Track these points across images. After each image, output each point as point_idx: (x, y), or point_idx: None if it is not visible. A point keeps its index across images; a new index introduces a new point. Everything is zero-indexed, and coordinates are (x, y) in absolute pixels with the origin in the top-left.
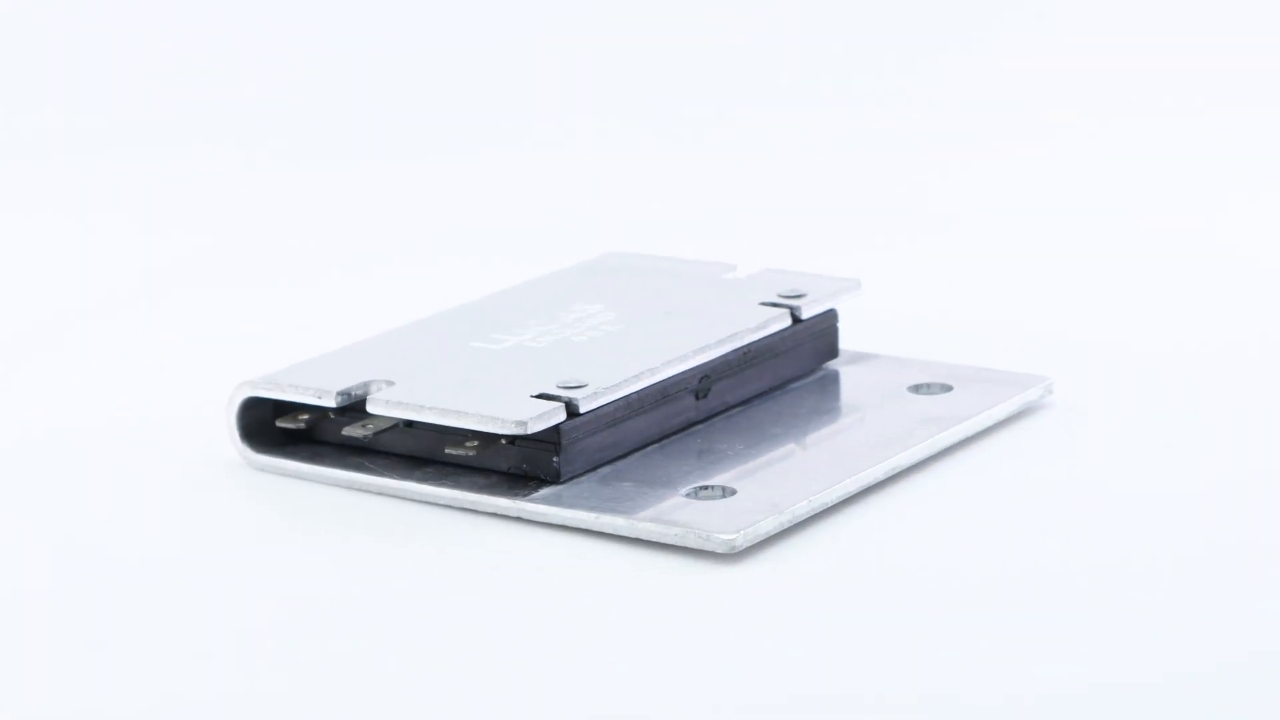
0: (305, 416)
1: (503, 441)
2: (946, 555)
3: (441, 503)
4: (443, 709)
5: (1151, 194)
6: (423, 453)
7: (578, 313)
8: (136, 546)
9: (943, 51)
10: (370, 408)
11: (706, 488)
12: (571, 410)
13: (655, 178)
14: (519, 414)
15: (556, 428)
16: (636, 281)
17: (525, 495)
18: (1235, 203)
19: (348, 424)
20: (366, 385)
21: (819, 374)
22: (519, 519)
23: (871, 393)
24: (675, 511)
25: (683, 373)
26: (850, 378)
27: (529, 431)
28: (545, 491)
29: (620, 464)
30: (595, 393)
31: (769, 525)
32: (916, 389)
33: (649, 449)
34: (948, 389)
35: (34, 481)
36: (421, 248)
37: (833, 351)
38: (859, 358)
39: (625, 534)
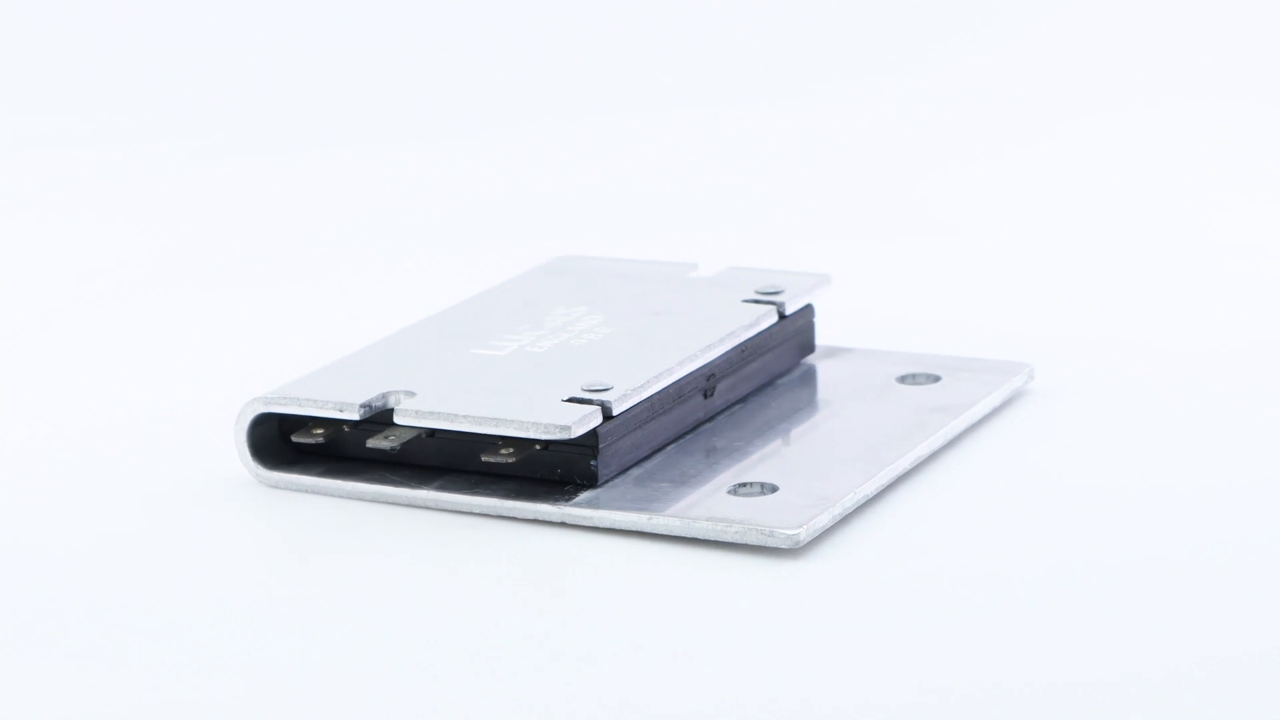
0: (320, 431)
1: (537, 447)
2: (993, 544)
3: (477, 511)
4: None
5: (1122, 186)
6: (442, 462)
7: (562, 317)
8: (158, 574)
9: (901, 43)
10: (398, 419)
11: (745, 485)
12: (606, 413)
13: (575, 176)
14: (560, 418)
15: (594, 431)
16: (608, 284)
17: (566, 500)
18: (1209, 195)
19: (366, 436)
20: (385, 396)
21: (801, 369)
22: (560, 524)
23: (862, 385)
24: (726, 509)
25: (695, 372)
26: (834, 372)
27: (572, 436)
28: (585, 495)
29: (647, 465)
30: (624, 394)
31: (825, 519)
32: (904, 379)
33: (667, 449)
34: (936, 379)
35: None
36: (341, 249)
37: (810, 347)
38: (833, 352)
39: (680, 534)
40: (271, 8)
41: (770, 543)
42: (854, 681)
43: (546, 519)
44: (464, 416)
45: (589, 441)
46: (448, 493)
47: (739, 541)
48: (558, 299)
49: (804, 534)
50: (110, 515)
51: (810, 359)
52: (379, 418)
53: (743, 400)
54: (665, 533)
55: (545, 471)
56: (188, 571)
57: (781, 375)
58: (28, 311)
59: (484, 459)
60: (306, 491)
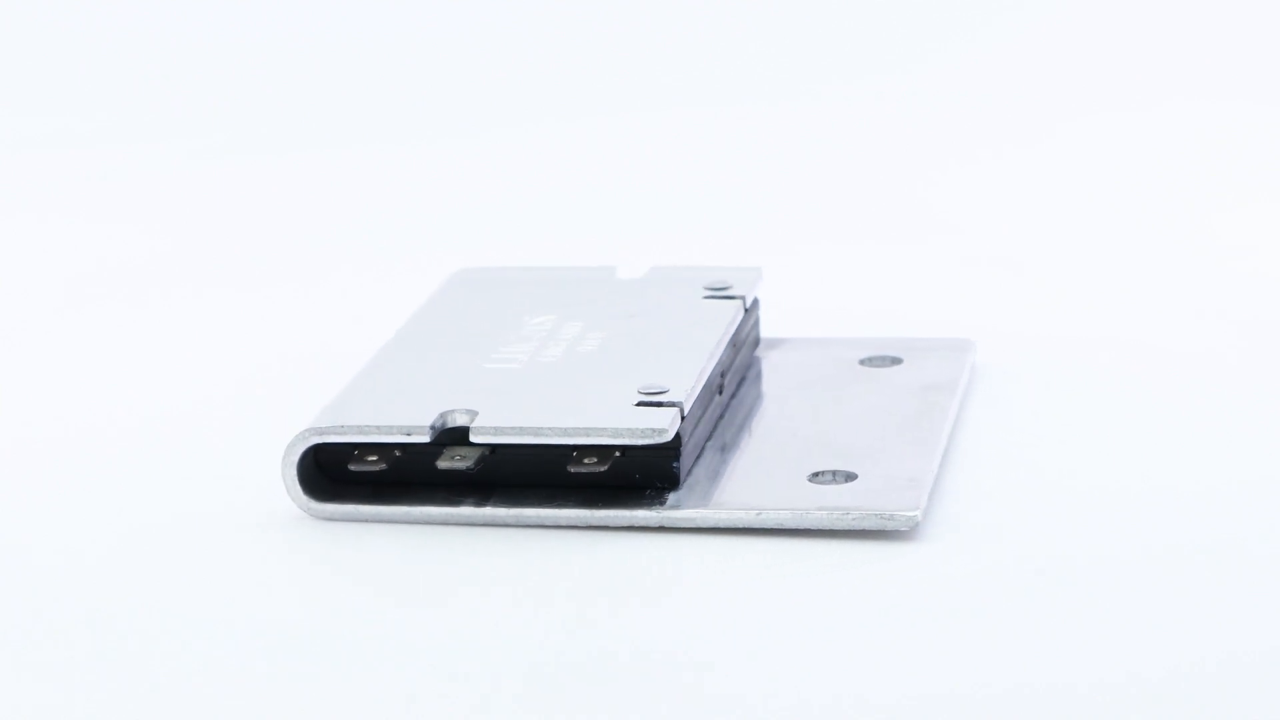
0: (372, 458)
1: (616, 454)
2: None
3: (563, 524)
4: None
5: (1121, 187)
6: (502, 479)
7: (539, 327)
8: (202, 593)
9: (900, 43)
10: (475, 438)
11: (821, 474)
12: (681, 413)
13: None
14: (648, 422)
15: (677, 432)
16: (550, 291)
17: (659, 504)
18: (1209, 196)
19: (418, 460)
20: (445, 416)
21: (760, 362)
22: (658, 528)
23: (833, 370)
24: (827, 498)
25: (717, 369)
26: (791, 360)
27: (668, 439)
28: (672, 497)
29: (702, 464)
30: (687, 394)
31: (926, 500)
32: (867, 362)
33: (705, 448)
34: (898, 361)
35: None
36: (341, 249)
37: (758, 340)
38: (773, 344)
39: (793, 525)
40: (271, 8)
41: (889, 525)
42: (1008, 659)
43: (644, 524)
44: (549, 429)
45: (673, 444)
46: (534, 508)
47: (856, 528)
48: (515, 310)
49: (920, 515)
50: (128, 528)
51: (759, 351)
52: (450, 438)
53: (734, 396)
54: (777, 526)
55: (624, 479)
56: (238, 598)
57: (749, 369)
58: (27, 312)
59: (571, 470)
60: (362, 521)
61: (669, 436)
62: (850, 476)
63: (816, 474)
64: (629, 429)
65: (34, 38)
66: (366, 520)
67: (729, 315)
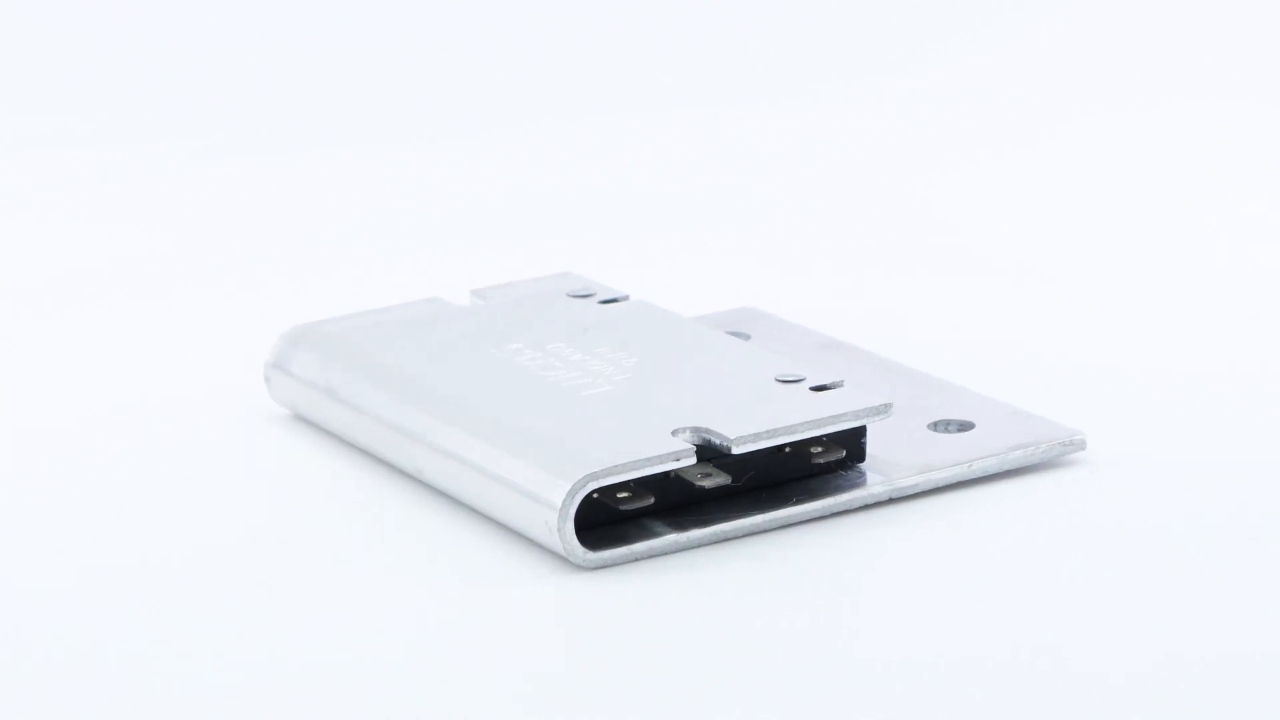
0: (624, 494)
1: (824, 439)
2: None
3: (811, 517)
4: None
5: (1122, 187)
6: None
7: (535, 349)
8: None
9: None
10: (737, 449)
11: (935, 424)
12: None
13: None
14: (871, 401)
15: None
16: (500, 317)
17: (879, 479)
18: (1208, 196)
19: (682, 483)
20: (695, 434)
21: None
22: (887, 501)
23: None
24: (1006, 439)
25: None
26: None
27: (891, 414)
28: (870, 469)
29: None
30: (826, 376)
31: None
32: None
33: None
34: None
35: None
36: (341, 250)
37: None
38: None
39: (995, 470)
40: (271, 8)
41: (1068, 452)
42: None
43: (877, 500)
44: (800, 425)
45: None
46: (784, 509)
47: (1048, 458)
48: (494, 338)
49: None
50: (127, 530)
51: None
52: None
53: None
54: (984, 474)
55: (839, 462)
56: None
57: None
58: (27, 312)
59: (816, 461)
60: (633, 560)
61: (892, 411)
62: (965, 426)
63: (934, 424)
64: (864, 409)
65: (34, 38)
66: (639, 559)
67: (667, 313)
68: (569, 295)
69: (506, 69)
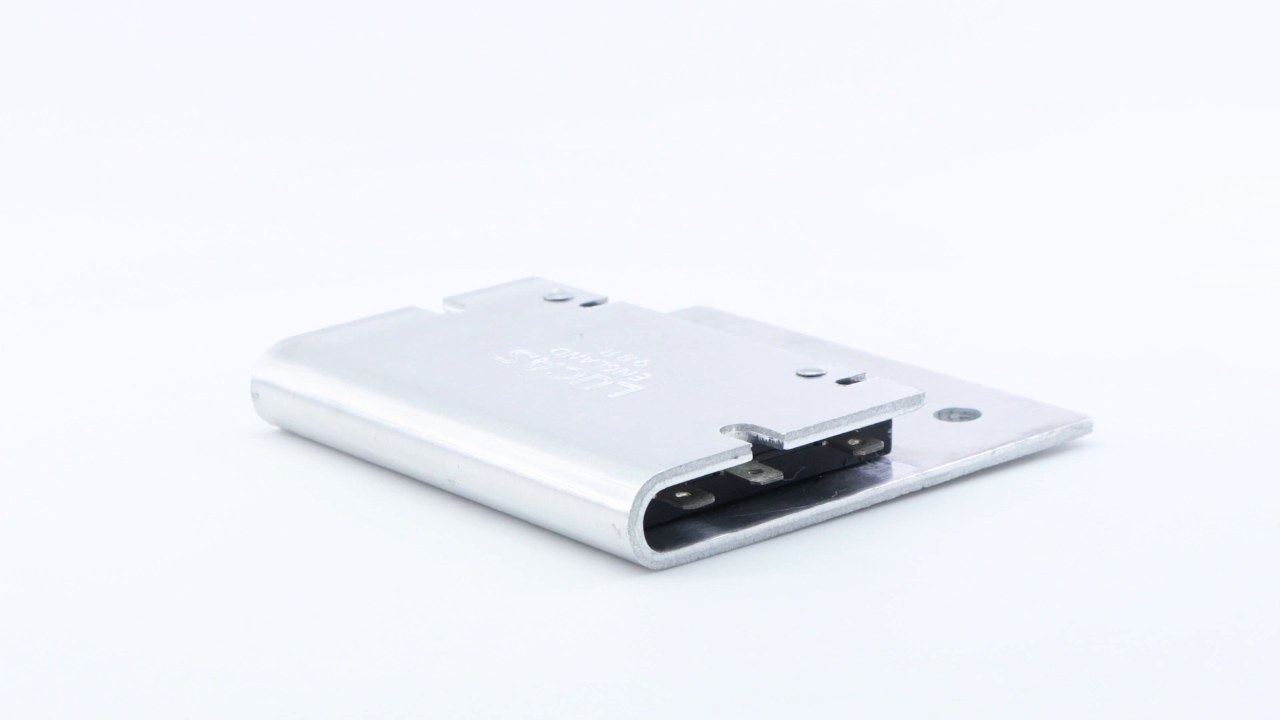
0: (684, 494)
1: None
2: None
3: (843, 513)
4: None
5: (1121, 187)
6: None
7: (539, 353)
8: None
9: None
10: (789, 444)
11: (940, 412)
12: None
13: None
14: (904, 392)
15: None
16: (489, 322)
17: (913, 467)
18: (1211, 195)
19: (735, 481)
20: (745, 431)
21: None
22: (920, 491)
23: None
24: (1019, 425)
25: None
26: None
27: (924, 403)
28: (895, 460)
29: None
30: (846, 370)
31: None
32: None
33: None
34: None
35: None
36: (341, 250)
37: None
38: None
39: (1013, 456)
40: (271, 8)
41: (1079, 434)
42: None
43: (913, 489)
44: (844, 419)
45: None
46: (829, 502)
47: (1064, 441)
48: (495, 344)
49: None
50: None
51: None
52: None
53: None
54: (1004, 460)
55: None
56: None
57: None
58: (26, 312)
59: (858, 454)
60: (695, 560)
61: (925, 401)
62: (969, 414)
63: (938, 413)
64: (900, 400)
65: (34, 38)
66: (702, 558)
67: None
68: (545, 299)
69: (505, 69)
